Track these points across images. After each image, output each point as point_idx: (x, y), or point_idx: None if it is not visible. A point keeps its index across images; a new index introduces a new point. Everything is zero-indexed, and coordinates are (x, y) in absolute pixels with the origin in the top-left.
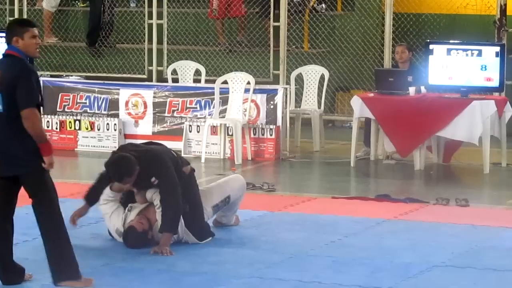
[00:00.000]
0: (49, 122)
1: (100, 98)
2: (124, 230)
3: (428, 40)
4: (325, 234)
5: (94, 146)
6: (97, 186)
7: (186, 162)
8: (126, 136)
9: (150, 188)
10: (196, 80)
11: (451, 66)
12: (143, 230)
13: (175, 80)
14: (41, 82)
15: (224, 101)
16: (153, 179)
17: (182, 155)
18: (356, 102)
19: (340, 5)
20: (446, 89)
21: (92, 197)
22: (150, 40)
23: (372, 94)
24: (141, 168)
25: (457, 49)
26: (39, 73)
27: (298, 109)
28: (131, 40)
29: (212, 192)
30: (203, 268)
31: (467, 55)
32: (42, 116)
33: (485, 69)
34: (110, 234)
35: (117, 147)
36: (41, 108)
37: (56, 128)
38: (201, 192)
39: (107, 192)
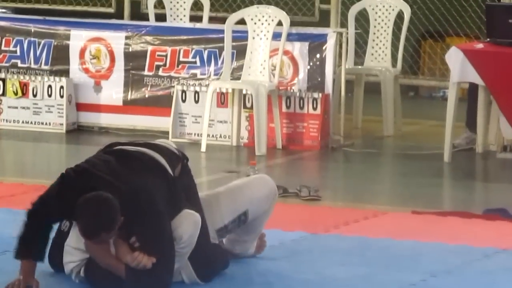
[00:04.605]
0: None
1: (39, 44)
2: None
3: None
4: (401, 272)
5: (27, 123)
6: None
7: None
8: (80, 107)
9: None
10: (195, 18)
11: None
12: None
13: (161, 17)
14: None
15: (240, 53)
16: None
17: (170, 138)
18: (455, 58)
19: None
20: None
21: (36, 249)
22: None
23: (480, 45)
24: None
25: None
26: None
27: (360, 67)
28: None
29: (220, 204)
30: None
31: None
32: None
33: None
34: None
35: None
36: None
37: None
38: (203, 202)
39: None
